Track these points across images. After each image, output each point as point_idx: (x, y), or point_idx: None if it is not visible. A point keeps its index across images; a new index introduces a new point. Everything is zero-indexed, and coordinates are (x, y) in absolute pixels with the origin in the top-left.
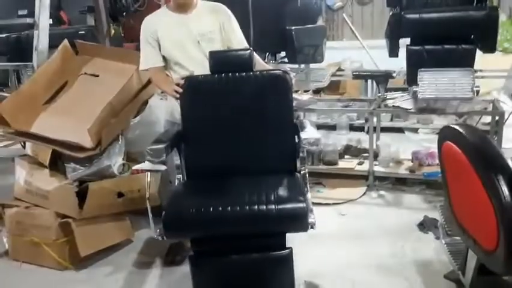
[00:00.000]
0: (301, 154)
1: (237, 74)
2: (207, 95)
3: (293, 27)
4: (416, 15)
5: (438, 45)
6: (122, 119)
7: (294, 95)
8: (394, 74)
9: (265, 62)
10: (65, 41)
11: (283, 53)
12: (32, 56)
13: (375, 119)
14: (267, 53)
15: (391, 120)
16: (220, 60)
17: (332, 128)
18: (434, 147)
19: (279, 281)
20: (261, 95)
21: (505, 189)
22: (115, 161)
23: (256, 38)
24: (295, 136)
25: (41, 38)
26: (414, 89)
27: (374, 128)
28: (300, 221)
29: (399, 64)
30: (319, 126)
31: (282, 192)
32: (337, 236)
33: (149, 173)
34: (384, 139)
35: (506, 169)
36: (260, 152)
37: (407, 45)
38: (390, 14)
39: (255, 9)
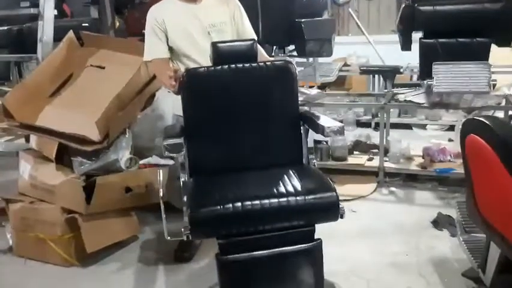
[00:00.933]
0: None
1: (241, 65)
2: (210, 88)
3: (303, 20)
4: (430, 8)
5: (452, 39)
6: (129, 112)
7: (302, 89)
8: (401, 70)
9: (273, 55)
10: (70, 32)
11: (291, 47)
12: (34, 48)
13: (384, 115)
14: (275, 47)
15: (399, 116)
16: (224, 52)
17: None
18: (444, 143)
19: (309, 274)
20: (266, 86)
21: None
22: (122, 155)
23: (264, 30)
24: (301, 127)
25: (46, 29)
26: (429, 83)
27: (384, 124)
28: (332, 210)
29: (405, 60)
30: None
31: (308, 182)
32: (349, 233)
33: (160, 170)
34: (393, 135)
35: None
36: (266, 144)
37: (420, 39)
38: (403, 6)
39: (264, 2)
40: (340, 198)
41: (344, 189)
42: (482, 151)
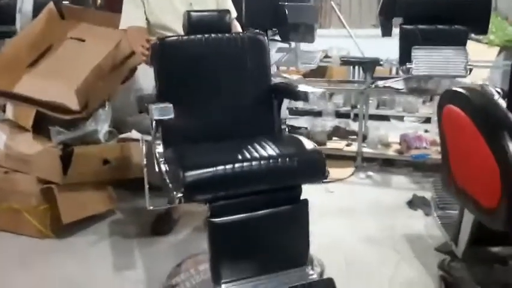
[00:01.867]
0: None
1: (214, 35)
2: (183, 57)
3: (286, 3)
4: None
5: (431, 25)
6: (109, 83)
7: (284, 75)
8: (381, 62)
9: None
10: (51, 3)
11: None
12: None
13: (363, 101)
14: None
15: (377, 108)
16: (197, 21)
17: (318, 114)
18: (421, 132)
19: (297, 233)
20: (238, 56)
21: (511, 146)
22: (101, 127)
23: (248, 13)
24: (274, 100)
25: (25, 0)
26: (408, 66)
27: (363, 110)
28: (318, 169)
29: (385, 54)
30: (305, 113)
31: (292, 145)
32: (325, 211)
33: (144, 138)
34: (372, 124)
35: (510, 124)
36: (240, 114)
37: (400, 25)
38: None
39: None
40: None
41: None
42: (459, 120)
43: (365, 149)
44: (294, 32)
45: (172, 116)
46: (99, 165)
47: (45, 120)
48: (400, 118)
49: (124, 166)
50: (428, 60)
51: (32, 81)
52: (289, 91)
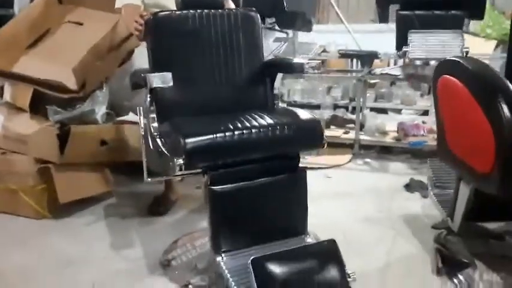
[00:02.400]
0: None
1: (207, 10)
2: (177, 31)
3: None
4: None
5: (428, 11)
6: (107, 64)
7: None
8: (379, 55)
9: None
10: None
11: (271, 20)
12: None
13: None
14: None
15: (375, 101)
16: None
17: (316, 107)
18: (418, 121)
19: (295, 202)
20: (232, 31)
21: (505, 108)
22: (99, 109)
23: (246, 1)
24: (267, 73)
25: None
26: (405, 49)
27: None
28: (317, 136)
29: (383, 48)
30: (303, 106)
31: (288, 114)
32: (324, 195)
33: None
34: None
35: (505, 89)
36: (235, 88)
37: (397, 10)
38: None
39: None
40: (315, 166)
41: (319, 159)
42: (454, 88)
43: (362, 137)
44: (292, 20)
45: (171, 83)
46: (96, 145)
47: (43, 100)
48: (398, 111)
49: (121, 148)
50: (424, 43)
51: (30, 61)
52: (284, 64)
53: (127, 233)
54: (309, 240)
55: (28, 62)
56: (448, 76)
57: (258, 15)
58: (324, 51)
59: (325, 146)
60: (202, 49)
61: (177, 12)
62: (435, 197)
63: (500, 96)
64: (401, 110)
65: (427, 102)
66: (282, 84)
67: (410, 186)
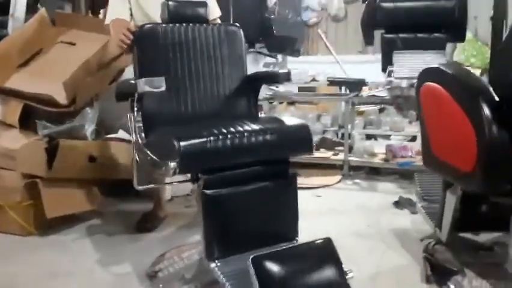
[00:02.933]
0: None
1: (193, 24)
2: (164, 44)
3: (272, 16)
4: (391, 4)
5: (411, 34)
6: (97, 81)
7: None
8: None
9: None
10: (43, 10)
11: (261, 45)
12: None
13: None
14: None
15: (364, 127)
16: (177, 10)
17: None
18: (406, 143)
19: (286, 207)
20: (216, 45)
21: (485, 108)
22: (88, 125)
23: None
24: (251, 86)
25: (18, 6)
26: (390, 69)
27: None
28: (307, 141)
29: (371, 78)
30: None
31: (277, 121)
32: (314, 212)
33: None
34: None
35: (485, 90)
36: (220, 100)
37: (382, 34)
38: (366, 3)
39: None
40: (305, 186)
41: (309, 180)
42: (436, 94)
43: (351, 158)
44: (281, 45)
45: (164, 87)
46: (84, 161)
47: (32, 116)
48: (387, 137)
49: (110, 165)
50: (408, 63)
51: (21, 77)
52: (270, 75)
53: (114, 248)
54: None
55: (19, 78)
56: (430, 83)
57: (241, 31)
58: (313, 80)
59: (313, 150)
60: (187, 61)
61: (163, 25)
62: (423, 210)
63: (481, 97)
64: (389, 136)
65: (415, 128)
66: (271, 111)
67: (399, 203)
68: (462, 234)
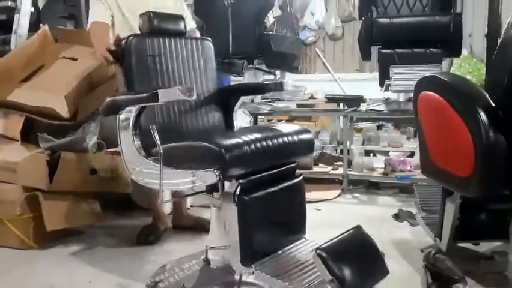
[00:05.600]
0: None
1: (174, 37)
2: (152, 56)
3: (270, 33)
4: (387, 20)
5: (408, 49)
6: (99, 94)
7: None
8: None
9: (243, 68)
10: (45, 26)
11: (259, 60)
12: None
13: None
14: (244, 62)
15: (363, 144)
16: (162, 22)
17: None
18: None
19: (299, 205)
20: (195, 58)
21: (481, 113)
22: (90, 139)
23: (234, 42)
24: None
25: (22, 22)
26: (387, 83)
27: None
28: (311, 143)
29: (367, 95)
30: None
31: (277, 128)
32: (313, 224)
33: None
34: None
35: (481, 97)
36: (200, 112)
37: (379, 49)
38: (363, 19)
39: (234, 15)
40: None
41: (308, 195)
42: (434, 102)
43: (350, 172)
44: (279, 61)
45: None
46: (86, 174)
47: (34, 130)
48: (385, 153)
49: (111, 178)
50: (405, 77)
51: (23, 91)
52: (250, 87)
53: (114, 260)
54: (312, 242)
55: (21, 92)
56: (426, 92)
57: (211, 43)
58: (312, 97)
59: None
60: (170, 73)
61: (150, 37)
62: (422, 220)
63: (477, 103)
64: (388, 152)
65: (413, 144)
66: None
67: (398, 216)
68: (462, 245)
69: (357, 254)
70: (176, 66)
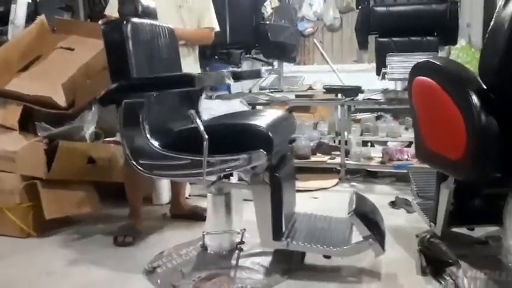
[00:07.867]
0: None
1: (158, 23)
2: (145, 42)
3: (267, 22)
4: (384, 8)
5: (404, 37)
6: (97, 83)
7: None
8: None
9: (240, 58)
10: (42, 16)
11: (257, 51)
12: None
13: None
14: (242, 51)
15: (361, 134)
16: (149, 7)
17: None
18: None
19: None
20: (169, 45)
21: (473, 96)
22: (87, 128)
23: (232, 32)
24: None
25: (18, 13)
26: (384, 71)
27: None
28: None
29: (365, 86)
30: (290, 141)
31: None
32: (310, 211)
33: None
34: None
35: (473, 80)
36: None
37: (376, 37)
38: (360, 8)
39: (231, 5)
40: (302, 189)
41: (306, 184)
42: (427, 87)
43: (348, 161)
44: (276, 50)
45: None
46: (83, 162)
47: (32, 118)
48: (384, 143)
49: (109, 167)
50: (402, 65)
51: (21, 81)
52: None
53: (112, 248)
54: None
55: (19, 82)
56: (420, 77)
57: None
58: (310, 88)
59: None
60: (156, 59)
61: (142, 21)
62: (418, 206)
63: (469, 86)
64: (386, 142)
65: (412, 134)
66: None
67: (395, 203)
68: (457, 230)
69: (371, 212)
70: (160, 52)
